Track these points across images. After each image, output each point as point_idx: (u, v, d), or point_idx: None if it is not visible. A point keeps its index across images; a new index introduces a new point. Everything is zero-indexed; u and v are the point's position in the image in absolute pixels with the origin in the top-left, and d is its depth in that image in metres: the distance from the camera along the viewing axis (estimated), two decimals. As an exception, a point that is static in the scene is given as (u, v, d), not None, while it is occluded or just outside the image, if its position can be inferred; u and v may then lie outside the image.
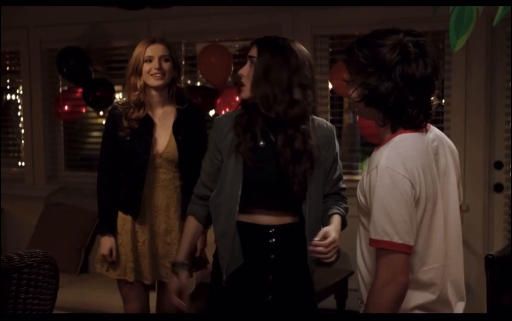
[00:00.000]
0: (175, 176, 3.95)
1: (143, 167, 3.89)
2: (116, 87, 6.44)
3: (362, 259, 2.53)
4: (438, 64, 2.45)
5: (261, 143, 3.09)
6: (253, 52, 3.14)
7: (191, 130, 3.94)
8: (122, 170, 3.96)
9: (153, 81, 3.88)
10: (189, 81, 6.61)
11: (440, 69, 2.47)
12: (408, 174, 2.34)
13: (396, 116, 2.43)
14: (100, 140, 6.83)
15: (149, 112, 3.93)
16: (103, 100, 6.25)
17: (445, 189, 2.49)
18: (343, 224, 3.12)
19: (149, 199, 3.95)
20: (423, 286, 2.44)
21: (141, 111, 3.90)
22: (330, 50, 6.11)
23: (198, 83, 6.51)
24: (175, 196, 3.95)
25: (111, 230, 3.99)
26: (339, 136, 6.40)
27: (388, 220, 2.33)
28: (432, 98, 2.47)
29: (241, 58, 6.27)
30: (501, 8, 2.05)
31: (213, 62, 5.90)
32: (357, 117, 5.72)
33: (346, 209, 3.18)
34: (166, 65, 3.90)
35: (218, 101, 5.92)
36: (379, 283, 2.36)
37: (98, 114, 6.90)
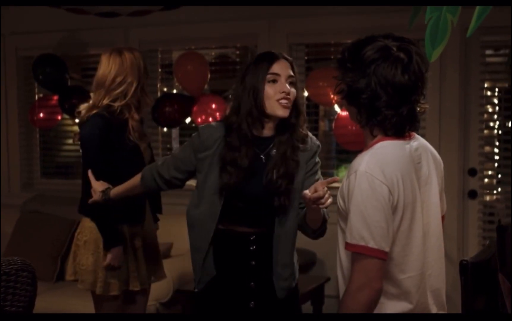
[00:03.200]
0: None
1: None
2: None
3: (340, 263, 2.55)
4: (421, 74, 2.45)
5: (246, 161, 3.09)
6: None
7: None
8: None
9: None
10: (165, 89, 6.61)
11: (424, 79, 2.47)
12: (387, 181, 2.36)
13: (370, 115, 2.44)
14: (76, 147, 6.93)
15: None
16: (79, 107, 6.24)
17: (426, 198, 2.51)
18: (324, 220, 3.05)
19: None
20: (401, 294, 2.46)
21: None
22: (306, 58, 6.15)
23: (174, 91, 6.52)
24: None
25: (123, 240, 3.91)
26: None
27: (365, 225, 2.34)
28: (416, 106, 2.47)
29: (217, 66, 6.30)
30: (474, 20, 2.08)
31: (189, 70, 5.91)
32: (333, 124, 5.76)
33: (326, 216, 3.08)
34: None
35: (195, 109, 5.93)
36: (353, 286, 2.37)
37: (74, 121, 6.88)
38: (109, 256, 3.82)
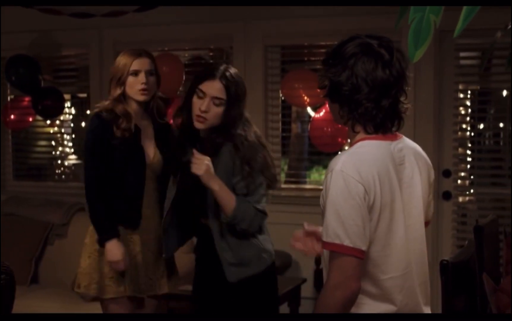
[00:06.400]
0: (156, 187, 3.85)
1: (141, 176, 3.82)
2: (66, 96, 6.39)
3: (324, 262, 2.55)
4: (403, 71, 2.47)
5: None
6: None
7: (164, 145, 3.85)
8: (114, 181, 3.81)
9: (139, 97, 3.79)
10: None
11: (405, 76, 2.49)
12: (362, 180, 2.37)
13: (351, 109, 2.45)
14: (48, 149, 6.87)
15: (135, 122, 3.84)
16: (53, 109, 6.18)
17: (407, 200, 2.50)
18: (232, 205, 3.41)
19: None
20: (382, 295, 2.46)
21: (130, 122, 3.78)
22: (281, 60, 6.15)
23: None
24: (157, 206, 3.84)
25: (118, 233, 3.78)
26: (287, 145, 6.47)
27: (340, 223, 2.35)
28: (398, 102, 2.48)
29: (191, 68, 6.29)
30: (461, 20, 2.09)
31: (165, 71, 5.87)
32: (309, 126, 5.78)
33: (250, 211, 3.45)
34: (151, 80, 3.82)
35: (170, 111, 5.91)
36: (329, 284, 2.38)
37: (46, 123, 6.83)
38: (106, 253, 3.74)
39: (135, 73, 3.77)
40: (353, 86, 2.42)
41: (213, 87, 3.41)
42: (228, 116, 3.43)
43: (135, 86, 3.78)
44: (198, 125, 3.45)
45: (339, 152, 2.54)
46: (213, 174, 3.37)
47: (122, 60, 3.81)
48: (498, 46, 4.60)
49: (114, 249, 3.72)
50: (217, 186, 3.37)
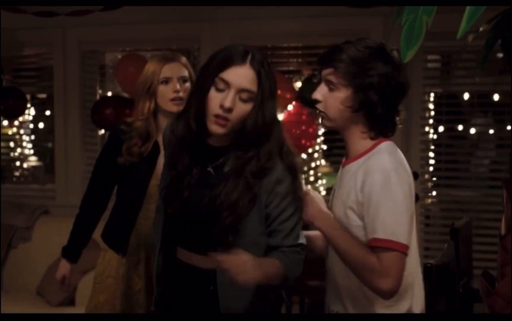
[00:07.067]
0: None
1: (139, 199, 3.36)
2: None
3: (330, 259, 2.54)
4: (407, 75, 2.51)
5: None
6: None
7: None
8: (118, 199, 3.48)
9: (172, 107, 3.26)
10: (100, 91, 6.45)
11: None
12: (409, 177, 2.44)
13: (383, 123, 2.47)
14: (7, 150, 6.72)
15: (158, 139, 3.30)
16: (15, 109, 6.06)
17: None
18: (281, 273, 2.46)
19: (146, 237, 3.36)
20: (401, 294, 2.47)
21: (145, 145, 3.33)
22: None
23: (109, 93, 6.38)
24: None
25: (75, 258, 3.49)
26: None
27: (395, 221, 2.37)
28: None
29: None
30: (464, 21, 2.08)
31: (131, 72, 5.79)
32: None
33: (296, 261, 2.53)
34: (185, 87, 3.31)
35: (135, 111, 5.82)
36: (378, 270, 2.35)
37: (3, 124, 6.69)
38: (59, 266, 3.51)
39: (166, 80, 3.30)
40: (388, 103, 2.44)
41: (242, 75, 2.40)
42: (261, 120, 2.41)
43: (167, 95, 3.29)
44: (216, 129, 2.41)
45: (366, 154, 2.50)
46: (254, 266, 2.31)
47: (150, 67, 3.35)
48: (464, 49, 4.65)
49: (60, 269, 3.49)
50: (263, 277, 2.35)
